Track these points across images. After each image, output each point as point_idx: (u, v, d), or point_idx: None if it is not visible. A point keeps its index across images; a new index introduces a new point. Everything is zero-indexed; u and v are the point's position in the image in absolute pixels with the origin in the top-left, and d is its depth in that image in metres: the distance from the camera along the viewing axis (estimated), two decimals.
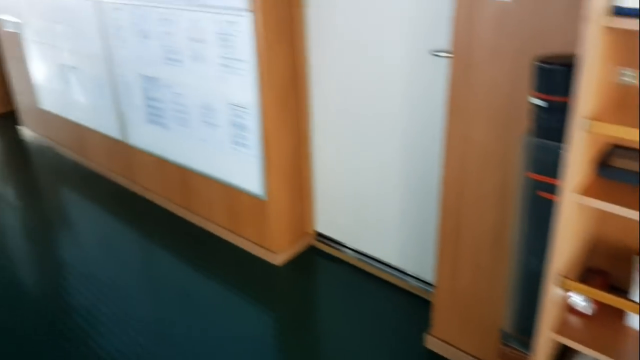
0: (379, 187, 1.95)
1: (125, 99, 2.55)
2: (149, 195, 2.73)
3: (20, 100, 3.63)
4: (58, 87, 3.05)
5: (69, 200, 2.86)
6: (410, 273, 1.98)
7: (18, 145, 3.60)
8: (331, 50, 1.88)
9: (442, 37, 1.57)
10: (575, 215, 1.02)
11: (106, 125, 2.79)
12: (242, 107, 2.00)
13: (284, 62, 1.92)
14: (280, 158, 2.03)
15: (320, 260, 2.20)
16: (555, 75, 1.03)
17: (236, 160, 2.12)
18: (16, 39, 3.27)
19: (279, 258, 2.15)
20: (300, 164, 2.13)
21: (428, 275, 1.92)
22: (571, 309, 1.14)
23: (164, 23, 2.13)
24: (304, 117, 2.07)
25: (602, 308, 1.13)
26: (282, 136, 2.01)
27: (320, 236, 2.25)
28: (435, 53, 1.59)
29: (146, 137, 2.55)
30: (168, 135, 2.40)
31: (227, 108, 2.06)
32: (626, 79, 1.05)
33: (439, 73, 1.61)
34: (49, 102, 3.23)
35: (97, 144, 2.98)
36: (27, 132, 3.72)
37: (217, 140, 2.17)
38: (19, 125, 3.81)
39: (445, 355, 1.67)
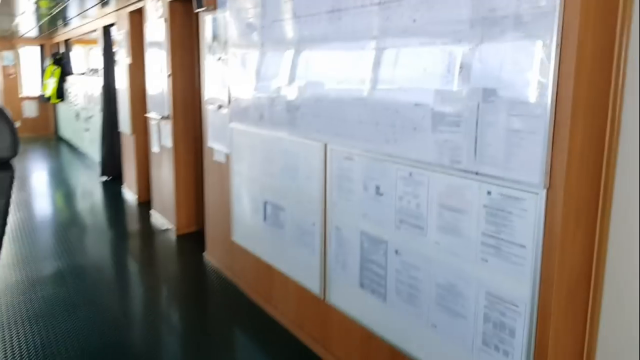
0: None
1: (335, 253, 2.24)
2: None
3: (211, 226, 3.59)
4: (256, 224, 2.88)
5: (243, 348, 2.55)
6: None
7: (198, 272, 3.50)
8: None
9: None
10: None
11: (304, 275, 2.48)
12: (508, 302, 1.51)
13: (577, 251, 1.43)
14: None
15: None
16: None
17: None
18: (221, 168, 3.28)
19: None
20: None
21: None
22: None
23: (408, 182, 1.81)
24: (592, 321, 1.51)
25: None
26: (563, 347, 1.46)
27: None
28: None
29: (353, 302, 2.16)
30: (384, 308, 1.99)
31: (482, 298, 1.59)
32: None
33: None
34: (242, 236, 3.09)
35: (287, 293, 2.68)
36: (210, 260, 3.64)
37: (457, 333, 1.69)
38: (203, 250, 3.77)
39: None
